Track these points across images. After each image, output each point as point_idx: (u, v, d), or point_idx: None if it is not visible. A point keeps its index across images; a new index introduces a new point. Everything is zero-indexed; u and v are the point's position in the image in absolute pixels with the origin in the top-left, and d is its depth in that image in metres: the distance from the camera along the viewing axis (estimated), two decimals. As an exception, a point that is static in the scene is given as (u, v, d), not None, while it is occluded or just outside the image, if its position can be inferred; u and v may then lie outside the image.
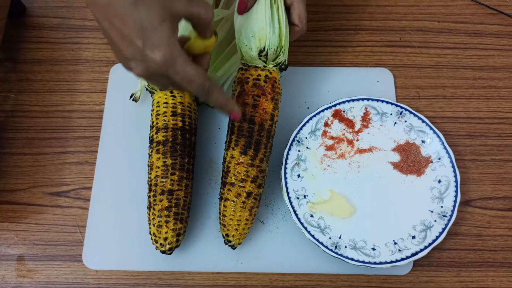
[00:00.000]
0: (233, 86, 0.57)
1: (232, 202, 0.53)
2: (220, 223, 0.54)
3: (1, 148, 0.63)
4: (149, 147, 0.56)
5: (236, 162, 0.53)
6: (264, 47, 0.54)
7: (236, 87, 0.56)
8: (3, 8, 0.64)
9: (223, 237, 0.55)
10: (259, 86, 0.54)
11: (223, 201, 0.54)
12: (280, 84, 0.57)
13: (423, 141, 0.59)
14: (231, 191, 0.53)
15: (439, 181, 0.57)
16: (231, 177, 0.53)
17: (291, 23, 0.55)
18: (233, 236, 0.53)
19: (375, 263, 0.53)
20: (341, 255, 0.53)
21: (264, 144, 0.54)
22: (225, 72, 0.63)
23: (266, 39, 0.53)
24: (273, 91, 0.54)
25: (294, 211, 0.55)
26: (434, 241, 0.54)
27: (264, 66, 0.55)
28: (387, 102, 0.61)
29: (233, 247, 0.54)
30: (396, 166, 0.59)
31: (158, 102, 0.57)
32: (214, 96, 0.46)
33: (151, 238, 0.53)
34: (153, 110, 0.57)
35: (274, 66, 0.56)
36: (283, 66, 0.56)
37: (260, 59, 0.55)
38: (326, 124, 0.61)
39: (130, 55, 0.42)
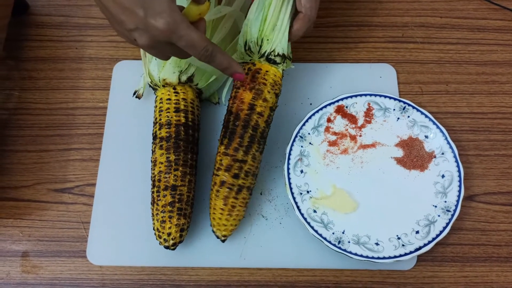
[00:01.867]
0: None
1: (211, 191, 0.54)
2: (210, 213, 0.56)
3: (5, 145, 0.63)
4: (152, 143, 0.56)
5: (218, 153, 0.55)
6: (246, 41, 0.55)
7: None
8: (7, 6, 0.64)
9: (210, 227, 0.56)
10: (254, 78, 0.55)
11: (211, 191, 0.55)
12: (269, 75, 0.55)
13: (426, 136, 0.59)
14: (211, 180, 0.55)
15: (443, 176, 0.57)
16: (214, 168, 0.55)
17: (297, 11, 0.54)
18: (213, 226, 0.54)
19: (378, 258, 0.53)
20: (345, 250, 0.53)
21: (240, 134, 0.53)
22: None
23: (247, 33, 0.54)
24: (253, 82, 0.54)
25: (297, 207, 0.56)
26: (437, 236, 0.54)
27: (250, 60, 0.56)
28: (390, 98, 0.61)
29: (219, 238, 0.54)
30: (399, 161, 0.59)
31: (161, 99, 0.57)
32: (218, 58, 0.46)
33: (155, 234, 0.53)
34: (156, 106, 0.57)
35: (260, 58, 0.55)
36: (271, 57, 0.55)
37: (246, 53, 0.56)
38: (329, 120, 0.61)
39: (133, 25, 0.42)
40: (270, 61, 0.55)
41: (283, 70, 0.57)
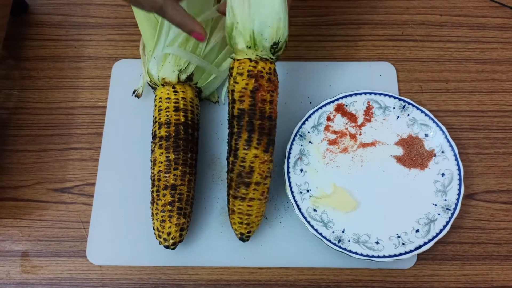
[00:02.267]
0: (237, 78, 0.51)
1: (258, 201, 0.52)
2: (243, 222, 0.53)
3: (5, 145, 0.63)
4: (152, 142, 0.56)
5: (260, 161, 0.51)
6: (276, 41, 0.51)
7: (249, 81, 0.50)
8: (6, 6, 0.64)
9: (242, 235, 0.54)
10: (272, 81, 0.51)
11: (246, 201, 0.52)
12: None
13: (426, 135, 0.59)
14: (257, 190, 0.52)
15: (443, 175, 0.57)
16: (256, 177, 0.51)
17: None
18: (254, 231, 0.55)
19: (378, 256, 0.53)
20: (345, 249, 0.53)
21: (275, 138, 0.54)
22: (228, 67, 0.63)
23: (277, 30, 0.50)
24: (273, 84, 0.52)
25: (297, 206, 0.55)
26: (438, 234, 0.54)
27: (271, 58, 0.52)
28: (390, 96, 0.61)
29: (239, 238, 0.55)
30: (399, 160, 0.59)
31: (160, 98, 0.57)
32: (169, 13, 0.45)
33: (155, 233, 0.53)
34: (155, 105, 0.57)
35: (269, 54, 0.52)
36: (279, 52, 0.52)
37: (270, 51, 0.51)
38: (328, 119, 0.61)
39: None
40: (275, 55, 0.52)
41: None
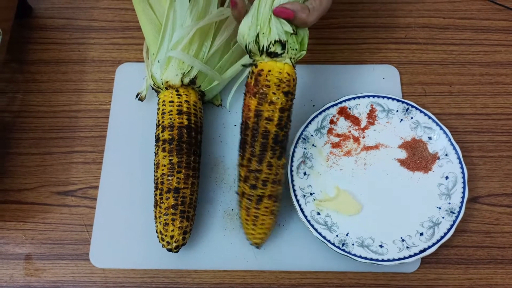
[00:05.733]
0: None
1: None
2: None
3: (9, 148, 0.63)
4: (155, 145, 0.56)
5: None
6: (246, 44, 0.50)
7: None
8: (10, 9, 0.64)
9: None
10: (248, 84, 0.51)
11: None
12: (273, 74, 0.49)
13: (429, 138, 0.59)
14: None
15: (447, 178, 0.57)
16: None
17: None
18: (246, 233, 0.55)
19: (382, 260, 0.53)
20: (349, 253, 0.53)
21: (250, 143, 0.50)
22: (232, 73, 0.63)
23: (244, 35, 0.50)
24: (256, 86, 0.49)
25: (301, 209, 0.55)
26: (442, 238, 0.53)
27: (253, 61, 0.52)
28: (393, 99, 0.61)
29: (253, 245, 0.56)
30: (402, 163, 0.59)
31: (164, 101, 0.57)
32: None
33: (158, 236, 0.53)
34: (159, 108, 0.57)
35: (262, 56, 0.50)
36: (271, 50, 0.49)
37: (251, 56, 0.51)
38: (331, 122, 0.61)
39: None
40: (271, 56, 0.49)
41: (293, 62, 0.51)
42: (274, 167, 0.51)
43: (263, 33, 0.49)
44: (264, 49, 0.49)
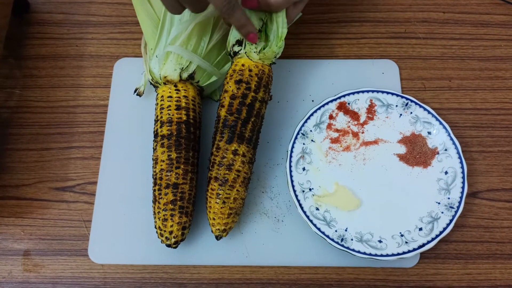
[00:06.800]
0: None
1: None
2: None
3: (7, 144, 0.63)
4: (153, 141, 0.56)
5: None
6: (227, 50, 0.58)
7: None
8: (7, 5, 0.64)
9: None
10: None
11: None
12: (230, 69, 0.56)
13: (429, 133, 0.59)
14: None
15: (446, 173, 0.57)
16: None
17: None
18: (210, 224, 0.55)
19: (381, 255, 0.53)
20: (347, 248, 0.53)
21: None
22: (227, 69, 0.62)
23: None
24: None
25: (300, 204, 0.55)
26: (441, 233, 0.53)
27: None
28: (393, 94, 0.60)
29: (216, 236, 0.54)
30: (402, 158, 0.59)
31: (162, 96, 0.56)
32: (237, 15, 0.47)
33: (157, 232, 0.53)
34: (157, 104, 0.57)
35: (233, 58, 0.57)
36: (230, 52, 0.57)
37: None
38: (331, 117, 0.60)
39: None
40: (233, 55, 0.56)
41: (254, 55, 0.55)
42: (221, 150, 0.53)
43: (228, 42, 0.57)
44: (229, 53, 0.57)
